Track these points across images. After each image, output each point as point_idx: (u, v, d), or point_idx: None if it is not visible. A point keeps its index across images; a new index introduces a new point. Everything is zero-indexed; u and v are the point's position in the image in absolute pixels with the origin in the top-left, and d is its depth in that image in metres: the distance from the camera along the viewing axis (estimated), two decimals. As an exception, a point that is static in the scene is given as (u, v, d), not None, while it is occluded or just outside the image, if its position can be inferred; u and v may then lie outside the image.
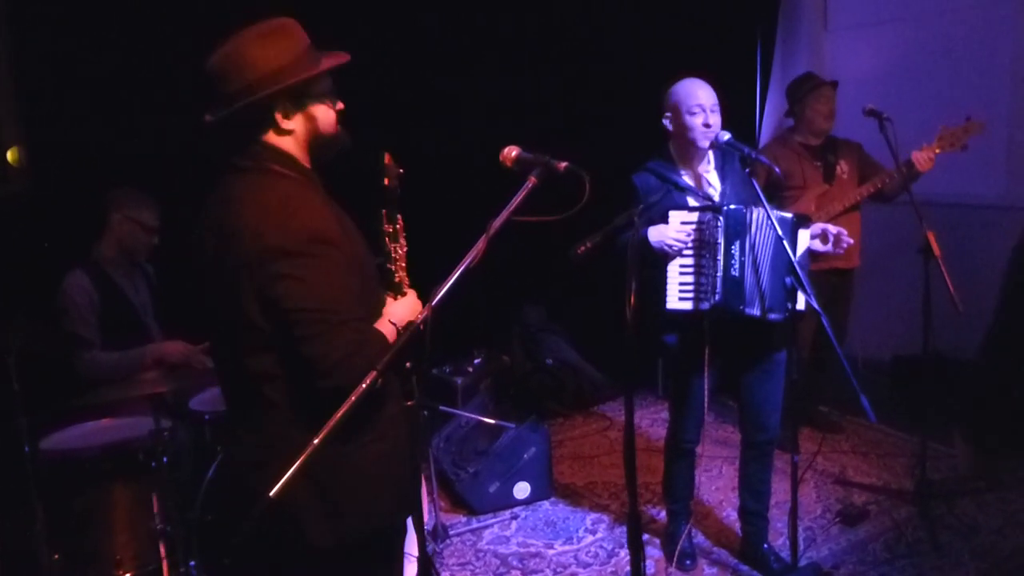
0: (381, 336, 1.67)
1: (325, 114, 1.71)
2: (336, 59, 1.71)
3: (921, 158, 3.49)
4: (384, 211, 1.84)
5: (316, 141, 1.72)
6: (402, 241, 1.86)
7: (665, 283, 2.72)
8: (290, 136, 1.68)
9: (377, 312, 1.75)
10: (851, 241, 2.78)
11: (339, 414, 1.37)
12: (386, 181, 1.82)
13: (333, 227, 1.63)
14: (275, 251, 1.54)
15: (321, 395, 1.57)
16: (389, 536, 1.83)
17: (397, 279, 1.85)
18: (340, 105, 1.75)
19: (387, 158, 1.83)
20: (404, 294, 1.85)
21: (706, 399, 2.82)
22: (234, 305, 1.60)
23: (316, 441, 1.34)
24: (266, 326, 1.58)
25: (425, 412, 3.37)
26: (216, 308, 1.67)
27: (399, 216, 1.86)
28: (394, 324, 1.75)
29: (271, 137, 1.67)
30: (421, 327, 1.52)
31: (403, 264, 1.86)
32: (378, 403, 1.73)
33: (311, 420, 1.58)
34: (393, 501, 1.79)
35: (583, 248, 2.28)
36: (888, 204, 3.93)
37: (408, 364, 1.63)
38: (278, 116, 1.65)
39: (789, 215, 2.70)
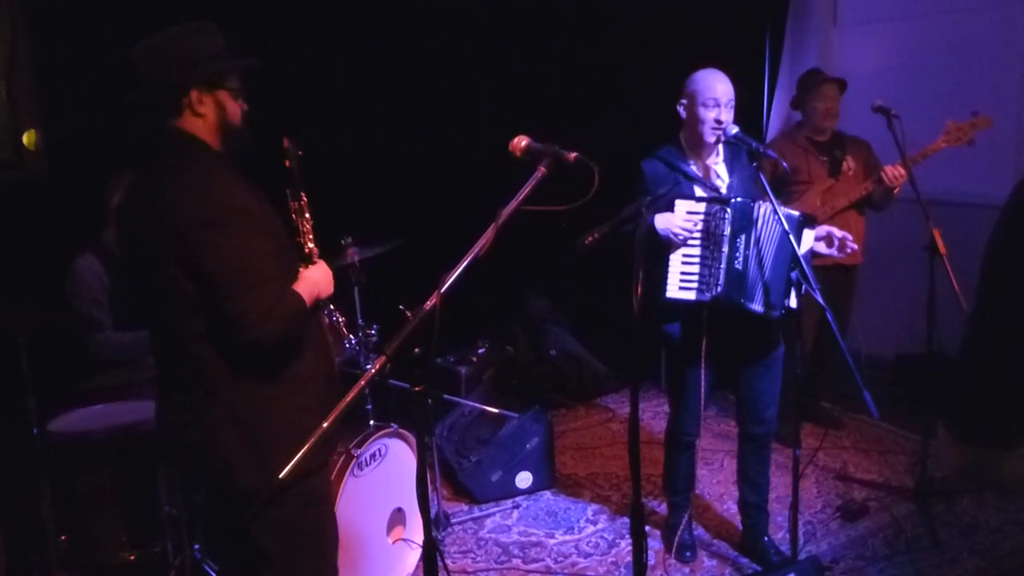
0: (297, 296, 1.85)
1: (233, 106, 1.88)
2: (247, 61, 1.91)
3: (891, 173, 3.54)
4: (288, 190, 2.06)
5: (224, 129, 1.88)
6: (307, 216, 2.08)
7: (667, 272, 2.73)
8: (201, 120, 1.84)
9: (294, 278, 1.93)
10: (855, 247, 2.78)
11: (349, 397, 1.40)
12: (287, 163, 2.06)
13: (246, 198, 1.81)
14: (196, 223, 1.72)
15: (242, 349, 1.76)
16: (312, 477, 1.95)
17: (307, 251, 2.05)
18: (244, 106, 1.91)
19: (286, 142, 2.05)
20: (315, 263, 2.04)
21: (703, 392, 2.82)
22: (164, 274, 1.77)
23: (325, 424, 1.37)
24: (193, 291, 1.76)
25: (429, 400, 3.39)
26: (148, 280, 1.85)
27: (302, 193, 2.08)
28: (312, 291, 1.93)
29: (185, 122, 1.83)
30: (432, 313, 1.55)
31: (311, 236, 2.07)
32: (298, 357, 1.89)
33: (241, 374, 1.82)
34: (313, 447, 1.92)
35: (591, 238, 2.29)
36: (883, 209, 3.91)
37: (416, 350, 1.65)
38: (193, 95, 1.81)
39: (796, 214, 2.70)
